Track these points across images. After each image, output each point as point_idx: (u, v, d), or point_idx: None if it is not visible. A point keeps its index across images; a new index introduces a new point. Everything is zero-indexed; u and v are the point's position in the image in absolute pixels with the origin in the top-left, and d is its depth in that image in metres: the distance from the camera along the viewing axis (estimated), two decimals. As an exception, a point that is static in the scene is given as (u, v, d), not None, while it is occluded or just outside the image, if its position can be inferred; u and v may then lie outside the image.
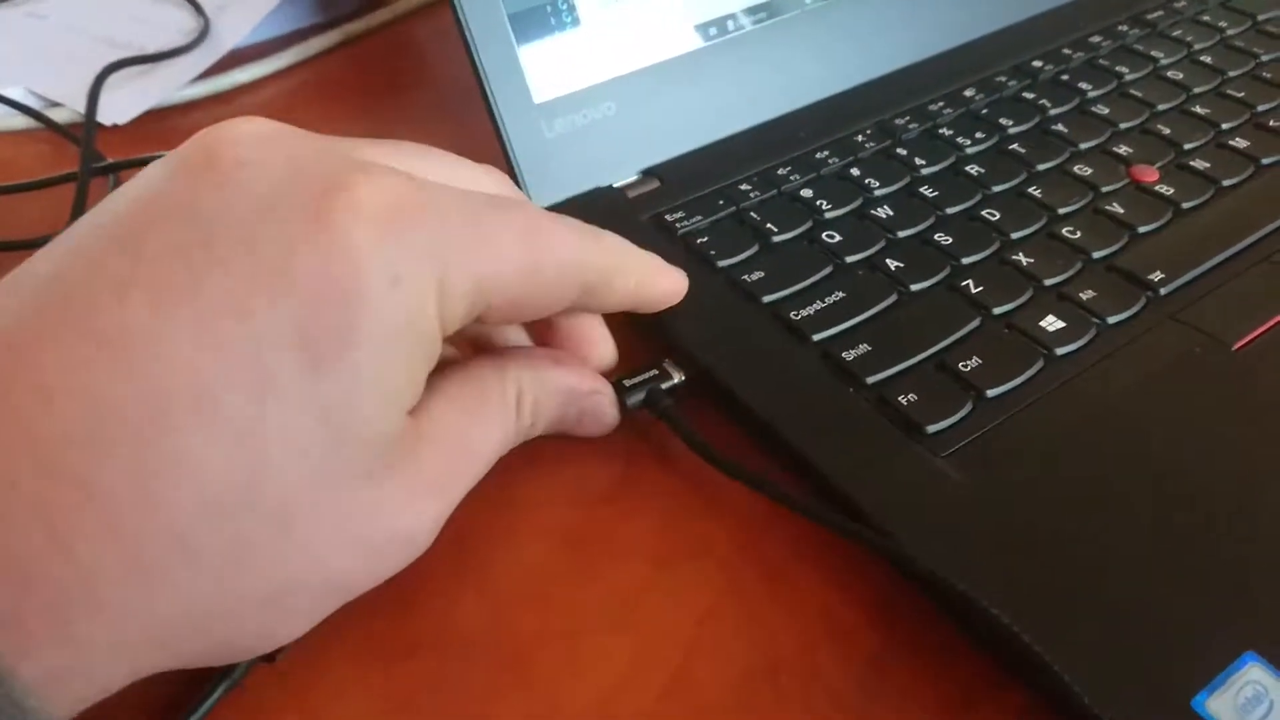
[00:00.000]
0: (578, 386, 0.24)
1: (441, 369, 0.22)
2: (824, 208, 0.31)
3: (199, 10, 0.46)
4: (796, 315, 0.27)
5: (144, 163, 0.37)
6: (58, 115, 0.43)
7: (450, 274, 0.19)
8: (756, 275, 0.29)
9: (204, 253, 0.17)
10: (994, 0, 0.41)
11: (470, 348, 0.25)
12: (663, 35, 0.34)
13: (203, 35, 0.45)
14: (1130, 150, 0.33)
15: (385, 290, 0.18)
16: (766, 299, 0.28)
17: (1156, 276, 0.27)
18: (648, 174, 0.34)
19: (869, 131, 0.35)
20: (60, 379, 0.16)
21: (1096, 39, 0.40)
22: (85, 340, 0.16)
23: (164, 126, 0.43)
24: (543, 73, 0.32)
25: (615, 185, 0.33)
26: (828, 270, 0.29)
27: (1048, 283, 0.28)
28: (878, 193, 0.32)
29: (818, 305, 0.27)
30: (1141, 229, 0.30)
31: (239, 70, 0.45)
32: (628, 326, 0.27)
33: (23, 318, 0.17)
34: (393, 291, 0.18)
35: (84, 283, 0.17)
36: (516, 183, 0.32)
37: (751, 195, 0.32)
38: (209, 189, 0.18)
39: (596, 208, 0.32)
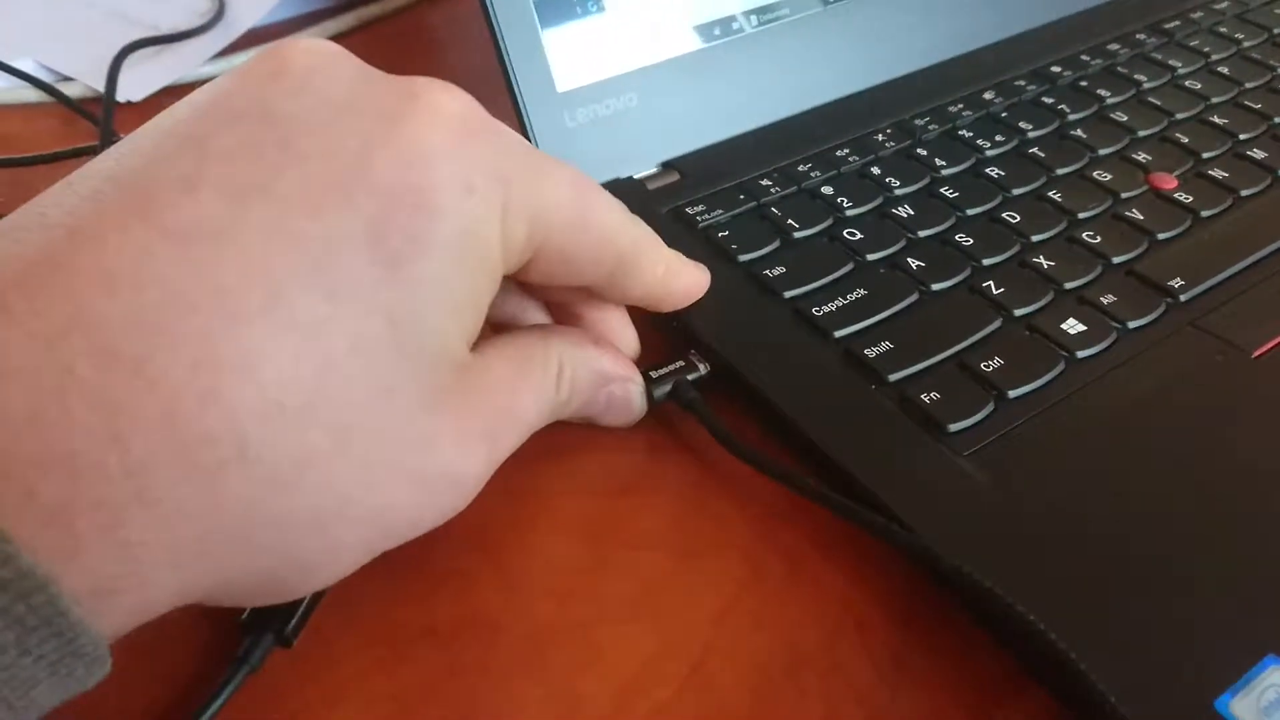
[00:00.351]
0: (612, 370, 0.24)
1: (486, 337, 0.22)
2: (844, 205, 0.31)
3: (214, -11, 0.46)
4: (818, 311, 0.27)
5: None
6: (69, 90, 0.43)
7: (514, 197, 0.19)
8: (778, 271, 0.29)
9: (278, 151, 0.17)
10: (1011, 6, 0.41)
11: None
12: (686, 28, 0.34)
13: (219, 14, 0.44)
14: (1149, 157, 0.33)
15: (459, 197, 0.18)
16: (788, 294, 0.28)
17: (1176, 283, 0.28)
18: (668, 166, 0.34)
19: (889, 131, 0.35)
20: (126, 266, 0.15)
21: (1114, 46, 0.40)
22: (152, 230, 0.16)
23: (177, 105, 0.42)
24: (566, 60, 0.32)
25: (635, 177, 0.33)
26: (849, 268, 0.29)
27: (1068, 286, 0.28)
28: (898, 192, 0.32)
29: (839, 302, 0.27)
30: (1161, 236, 0.30)
31: (255, 50, 0.45)
32: (649, 319, 0.27)
33: (83, 209, 0.16)
34: (466, 199, 0.18)
35: (149, 178, 0.17)
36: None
37: (772, 191, 0.32)
38: (284, 93, 0.18)
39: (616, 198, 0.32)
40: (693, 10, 0.34)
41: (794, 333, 0.27)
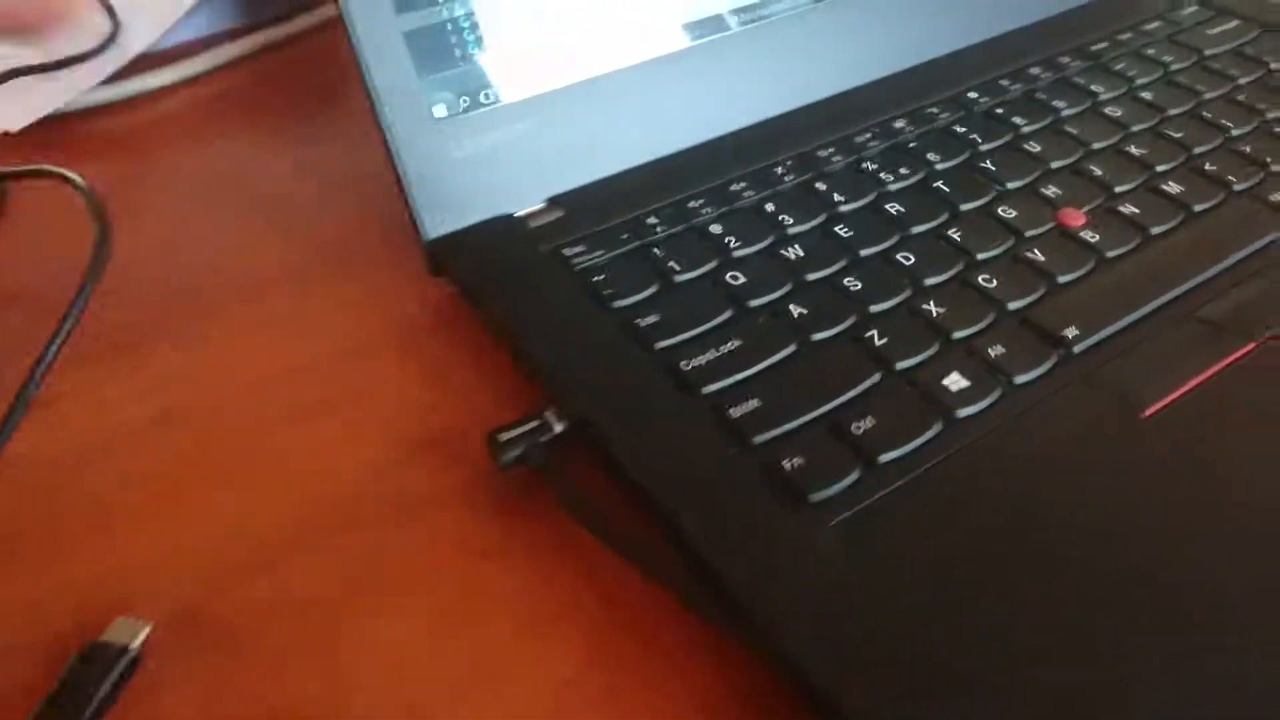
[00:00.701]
0: None
1: None
2: (732, 245, 0.30)
3: (110, 12, 0.44)
4: (687, 365, 0.25)
5: (38, 174, 0.35)
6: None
7: None
8: (651, 319, 0.27)
9: None
10: (930, 28, 0.39)
11: None
12: (578, 56, 0.32)
13: (112, 37, 0.42)
14: (1059, 192, 0.32)
15: None
16: (659, 345, 0.26)
17: (1071, 333, 0.26)
18: (554, 202, 0.32)
19: (790, 163, 0.33)
20: None
21: (1036, 70, 0.38)
22: None
23: (64, 134, 0.41)
24: (444, 94, 0.30)
25: (516, 215, 0.31)
26: (726, 315, 0.27)
27: (956, 336, 0.26)
28: (791, 230, 0.30)
29: (711, 354, 0.26)
30: (1061, 279, 0.28)
31: (150, 75, 0.43)
32: (510, 368, 0.26)
33: None
34: None
35: None
36: (407, 208, 0.30)
37: (658, 230, 0.30)
38: None
39: (493, 238, 0.30)
40: (585, 38, 0.32)
41: (660, 387, 0.25)
